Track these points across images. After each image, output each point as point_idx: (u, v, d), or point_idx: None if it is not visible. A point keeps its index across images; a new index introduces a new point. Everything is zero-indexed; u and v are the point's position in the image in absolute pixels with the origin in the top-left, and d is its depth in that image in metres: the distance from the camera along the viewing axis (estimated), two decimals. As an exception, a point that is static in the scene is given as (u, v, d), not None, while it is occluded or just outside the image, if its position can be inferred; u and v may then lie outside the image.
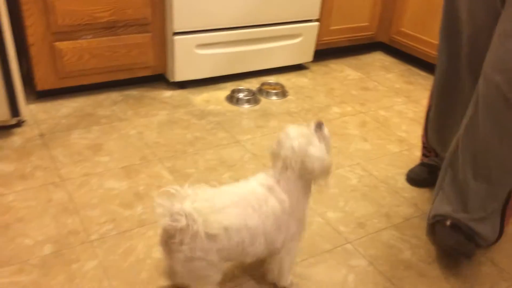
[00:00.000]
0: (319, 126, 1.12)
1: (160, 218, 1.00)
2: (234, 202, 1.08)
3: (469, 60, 1.43)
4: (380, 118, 2.22)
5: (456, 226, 1.36)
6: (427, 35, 2.62)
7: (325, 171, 1.12)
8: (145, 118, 2.02)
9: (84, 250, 1.32)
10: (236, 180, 1.23)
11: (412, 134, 2.09)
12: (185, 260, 1.03)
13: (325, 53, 2.83)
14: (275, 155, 1.14)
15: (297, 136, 1.09)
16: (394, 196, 1.68)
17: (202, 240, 0.99)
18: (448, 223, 1.37)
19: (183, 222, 0.97)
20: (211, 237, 1.01)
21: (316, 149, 1.09)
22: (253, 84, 2.43)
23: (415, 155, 1.93)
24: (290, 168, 1.10)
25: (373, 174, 1.79)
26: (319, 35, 2.65)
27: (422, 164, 1.80)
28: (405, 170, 1.82)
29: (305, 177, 1.12)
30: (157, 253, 1.32)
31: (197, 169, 1.71)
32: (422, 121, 2.21)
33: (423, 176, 1.76)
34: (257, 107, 2.22)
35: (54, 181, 1.58)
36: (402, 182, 1.76)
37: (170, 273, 1.17)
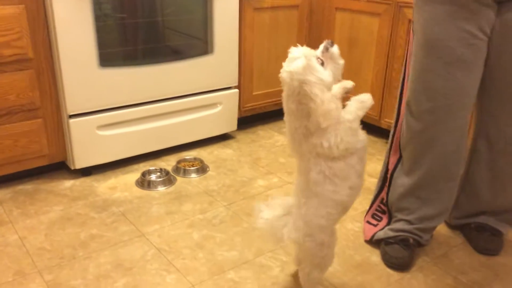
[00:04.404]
0: (327, 46, 1.03)
1: None
2: None
3: None
4: (309, 187, 2.01)
5: None
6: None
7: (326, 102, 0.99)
8: (34, 218, 1.72)
9: None
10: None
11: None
12: None
13: (252, 119, 2.66)
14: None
15: (297, 57, 0.99)
16: None
17: None
18: None
19: None
20: None
21: (316, 72, 0.98)
22: (171, 162, 2.19)
23: (347, 228, 1.71)
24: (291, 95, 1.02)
25: (298, 259, 1.53)
26: (242, 102, 2.49)
27: (394, 241, 1.55)
28: (340, 252, 1.58)
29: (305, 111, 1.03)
30: None
31: (85, 279, 1.41)
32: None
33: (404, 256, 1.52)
34: (171, 188, 1.97)
35: None
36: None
37: None
